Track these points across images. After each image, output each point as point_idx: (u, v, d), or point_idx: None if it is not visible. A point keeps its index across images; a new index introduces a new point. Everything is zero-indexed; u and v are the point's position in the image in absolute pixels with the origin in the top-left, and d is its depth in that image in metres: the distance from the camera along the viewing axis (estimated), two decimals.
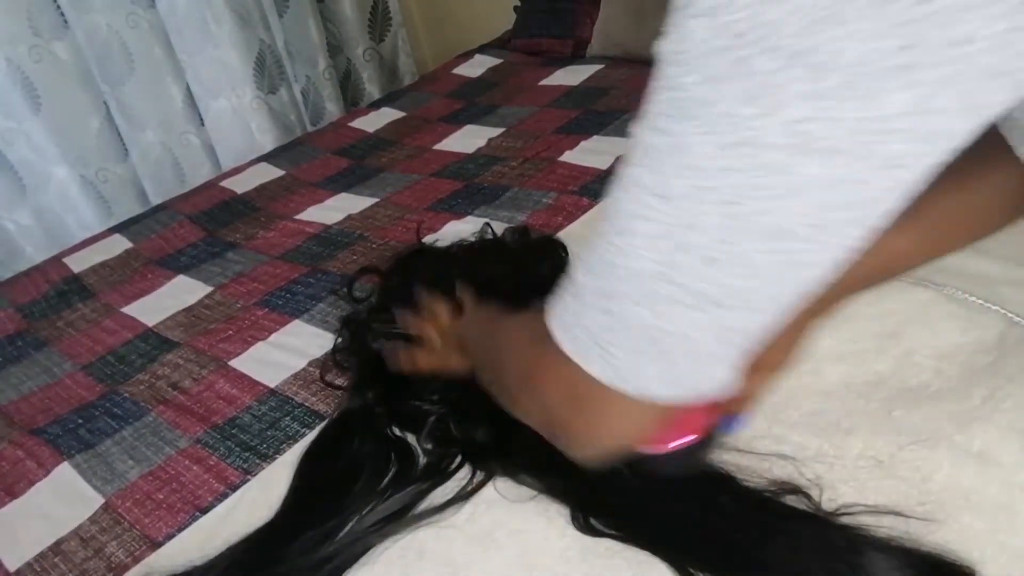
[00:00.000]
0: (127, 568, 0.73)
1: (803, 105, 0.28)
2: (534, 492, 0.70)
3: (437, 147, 1.56)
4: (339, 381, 0.91)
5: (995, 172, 0.50)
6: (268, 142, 1.96)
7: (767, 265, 0.33)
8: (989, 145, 0.39)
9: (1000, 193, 0.52)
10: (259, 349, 1.01)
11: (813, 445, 0.68)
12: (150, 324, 1.13)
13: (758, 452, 0.68)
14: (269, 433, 0.86)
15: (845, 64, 0.27)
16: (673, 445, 0.61)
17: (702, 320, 0.35)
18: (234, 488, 0.80)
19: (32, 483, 0.87)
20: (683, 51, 0.30)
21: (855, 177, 0.30)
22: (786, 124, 0.29)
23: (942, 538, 0.58)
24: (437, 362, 0.75)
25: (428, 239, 1.17)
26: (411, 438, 0.79)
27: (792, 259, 0.32)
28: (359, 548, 0.68)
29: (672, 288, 0.34)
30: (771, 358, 0.57)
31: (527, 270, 0.96)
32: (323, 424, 0.85)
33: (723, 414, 0.61)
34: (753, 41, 0.28)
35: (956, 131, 0.29)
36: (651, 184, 0.33)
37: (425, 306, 0.81)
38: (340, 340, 0.96)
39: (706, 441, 0.59)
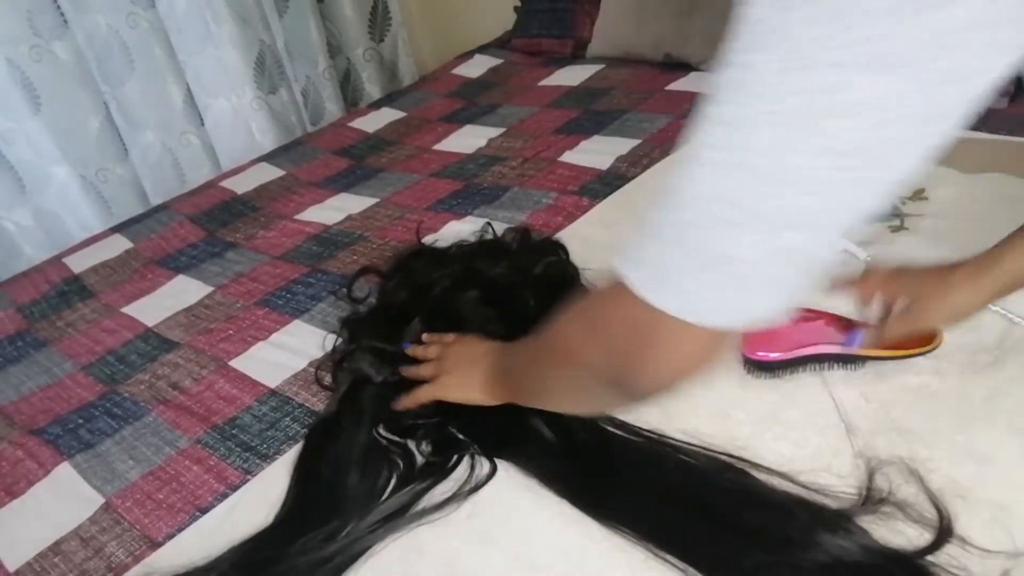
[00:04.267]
0: (127, 568, 0.73)
1: (870, 22, 0.29)
2: (533, 491, 0.70)
3: (437, 147, 1.56)
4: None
5: None
6: (268, 142, 1.96)
7: (826, 182, 0.33)
8: None
9: None
10: (259, 349, 1.01)
11: (812, 443, 0.68)
12: (150, 324, 1.13)
13: (756, 451, 0.68)
14: (269, 433, 0.86)
15: None
16: (761, 355, 0.75)
17: (759, 242, 0.36)
18: (234, 488, 0.80)
19: (32, 483, 0.87)
20: None
21: (911, 91, 0.31)
22: (851, 43, 0.30)
23: None
24: (438, 393, 0.77)
25: (428, 239, 1.17)
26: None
27: (850, 176, 0.33)
28: (359, 547, 0.68)
29: (732, 211, 0.35)
30: (964, 304, 0.65)
31: (527, 271, 0.96)
32: (317, 422, 0.85)
33: (846, 330, 0.72)
34: None
35: (1014, 44, 0.30)
36: (718, 115, 0.35)
37: (417, 339, 0.83)
38: (339, 341, 0.96)
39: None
